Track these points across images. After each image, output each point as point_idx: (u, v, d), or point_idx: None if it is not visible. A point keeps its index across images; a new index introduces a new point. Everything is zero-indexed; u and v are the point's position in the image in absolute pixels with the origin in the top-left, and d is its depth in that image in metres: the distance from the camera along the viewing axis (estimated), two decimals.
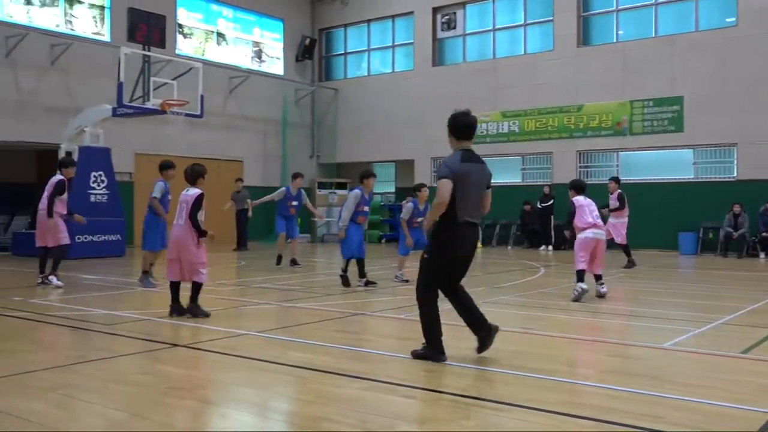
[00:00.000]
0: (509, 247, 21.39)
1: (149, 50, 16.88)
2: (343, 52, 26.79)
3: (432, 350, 5.74)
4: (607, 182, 20.35)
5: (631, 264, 14.13)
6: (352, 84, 26.03)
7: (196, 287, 7.92)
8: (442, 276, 5.72)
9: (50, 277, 10.97)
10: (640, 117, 20.26)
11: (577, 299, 9.39)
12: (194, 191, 7.95)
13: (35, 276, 11.38)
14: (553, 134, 21.60)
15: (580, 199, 9.78)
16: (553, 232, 20.34)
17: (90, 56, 19.59)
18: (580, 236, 9.70)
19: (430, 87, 23.89)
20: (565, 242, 20.55)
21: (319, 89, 26.56)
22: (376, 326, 6.16)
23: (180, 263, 7.88)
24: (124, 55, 15.80)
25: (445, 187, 5.52)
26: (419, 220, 11.31)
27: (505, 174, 22.68)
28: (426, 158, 23.88)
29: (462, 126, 5.80)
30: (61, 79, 19.10)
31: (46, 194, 10.89)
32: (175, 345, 6.45)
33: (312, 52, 26.20)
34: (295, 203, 13.79)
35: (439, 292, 5.85)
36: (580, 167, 21.35)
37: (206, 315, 7.90)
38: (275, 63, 25.61)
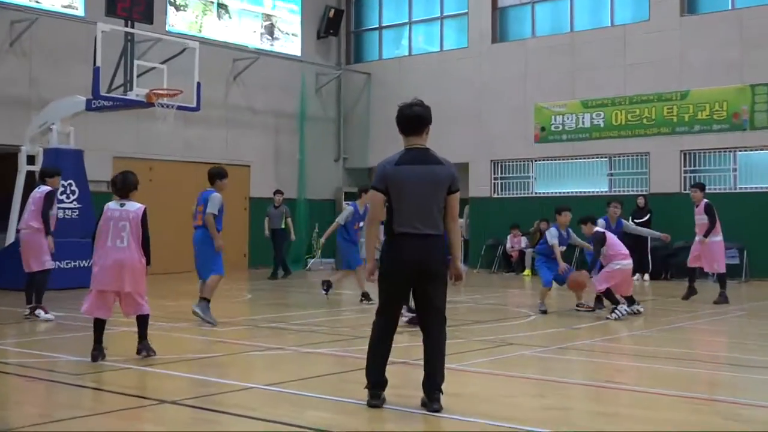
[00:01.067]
0: (592, 277, 21.10)
1: (133, 27, 17.14)
2: (377, 26, 26.91)
3: (368, 391, 6.15)
4: (723, 190, 20.20)
5: (724, 299, 13.98)
6: (388, 67, 26.12)
7: (145, 321, 8.28)
8: (387, 297, 6.17)
9: (38, 310, 11.50)
10: (764, 106, 19.93)
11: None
12: (135, 206, 8.19)
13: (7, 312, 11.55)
14: (649, 129, 21.37)
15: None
16: (650, 257, 20.07)
17: (59, 35, 19.97)
18: (615, 266, 12.27)
19: (489, 70, 23.85)
20: (667, 270, 20.26)
21: (346, 74, 26.70)
22: (419, 378, 6.13)
23: (116, 295, 8.14)
24: (102, 33, 16.05)
25: (372, 200, 6.18)
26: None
27: (586, 180, 22.47)
28: (484, 161, 23.81)
29: (402, 119, 6.25)
30: (22, 64, 19.50)
31: (33, 209, 11.62)
32: (162, 401, 6.48)
33: (338, 26, 26.37)
34: (362, 224, 13.97)
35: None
36: (686, 171, 21.06)
37: (153, 352, 8.21)
38: (291, 41, 25.84)
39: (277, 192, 20.49)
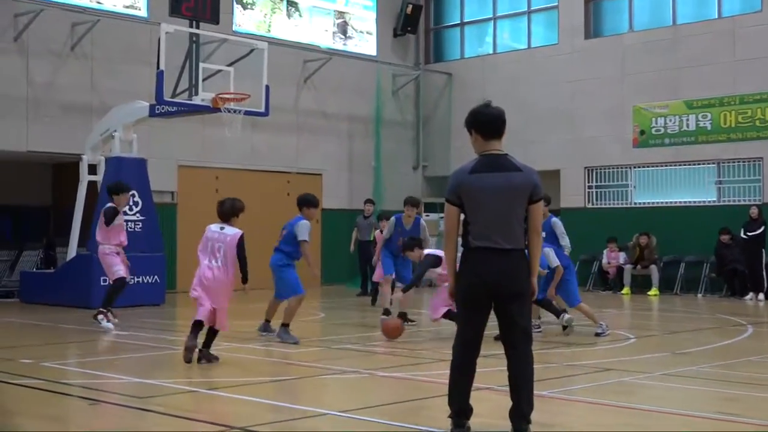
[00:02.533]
0: (699, 296, 20.75)
1: (198, 27, 17.46)
2: (458, 22, 26.91)
3: (451, 420, 6.10)
4: None
5: None
6: (471, 66, 26.07)
7: (215, 334, 9.72)
8: (466, 318, 6.15)
9: (99, 315, 12.36)
10: None
11: None
12: (233, 231, 9.59)
13: (48, 329, 11.92)
14: (763, 132, 20.87)
15: None
16: (765, 273, 19.58)
17: (121, 37, 20.48)
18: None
19: (582, 68, 23.61)
20: None
21: (425, 74, 26.75)
22: (507, 406, 6.09)
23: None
24: (165, 35, 16.39)
25: (447, 212, 6.18)
26: None
27: (691, 189, 22.02)
28: (577, 168, 23.56)
29: (483, 121, 6.18)
30: (84, 68, 20.06)
31: (100, 224, 13.06)
32: (231, 428, 6.56)
33: (416, 23, 26.44)
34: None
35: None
36: None
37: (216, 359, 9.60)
38: (365, 40, 26.02)
39: (368, 201, 20.56)
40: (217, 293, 9.55)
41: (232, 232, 9.53)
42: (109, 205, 12.89)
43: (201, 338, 9.62)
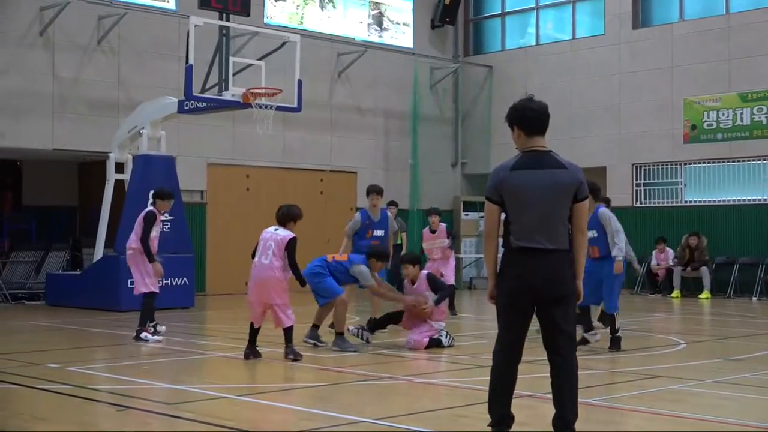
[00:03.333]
0: (754, 299, 20.57)
1: (228, 20, 17.58)
2: (499, 12, 26.87)
3: (491, 429, 6.11)
4: None
5: None
6: (513, 58, 26.02)
7: (287, 331, 10.32)
8: (507, 322, 6.14)
9: (143, 333, 12.22)
10: None
11: None
12: (286, 233, 10.26)
13: (75, 333, 12.04)
14: None
15: None
16: None
17: (149, 31, 20.69)
18: None
19: (630, 60, 23.48)
20: None
21: (464, 67, 26.73)
22: (550, 414, 6.09)
23: (265, 307, 10.34)
24: (195, 28, 16.51)
25: (487, 211, 6.18)
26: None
27: (746, 187, 21.81)
28: (624, 164, 23.44)
29: (527, 116, 6.16)
30: (110, 63, 20.29)
31: (136, 229, 12.70)
32: None
33: (455, 13, 26.43)
34: (377, 233, 13.81)
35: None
36: None
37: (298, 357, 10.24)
38: (402, 32, 26.04)
39: (391, 204, 19.27)
40: (266, 289, 10.12)
41: (285, 233, 10.20)
42: (150, 209, 12.72)
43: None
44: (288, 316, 10.24)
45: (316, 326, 11.76)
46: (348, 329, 11.77)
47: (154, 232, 12.69)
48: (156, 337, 12.34)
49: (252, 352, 10.37)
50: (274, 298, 10.15)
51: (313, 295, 11.69)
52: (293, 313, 10.34)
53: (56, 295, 18.08)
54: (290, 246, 10.11)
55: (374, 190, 14.07)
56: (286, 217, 10.39)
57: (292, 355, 10.25)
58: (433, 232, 15.85)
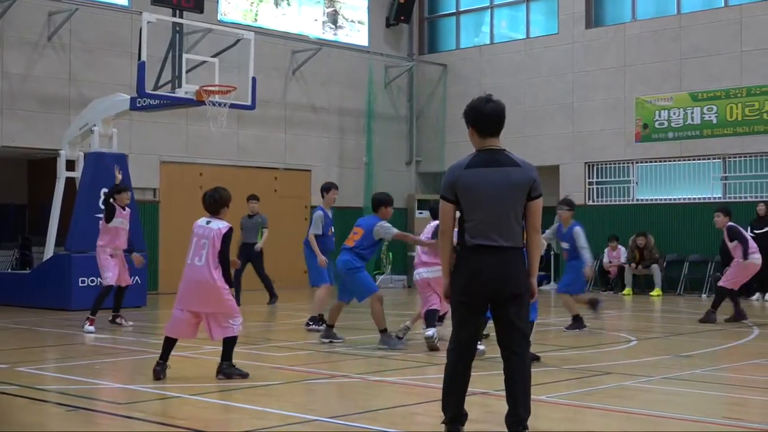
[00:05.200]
0: (704, 296, 20.79)
1: (181, 16, 17.44)
2: (454, 11, 26.92)
3: (445, 426, 6.10)
4: None
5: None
6: (467, 57, 26.09)
7: (231, 343, 8.82)
8: (461, 320, 6.14)
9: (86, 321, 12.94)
10: None
11: None
12: (220, 224, 8.78)
13: (25, 333, 11.94)
14: None
15: None
16: None
17: (101, 27, 20.46)
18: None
19: (583, 59, 23.65)
20: None
21: (419, 65, 26.77)
22: (503, 411, 6.10)
23: (198, 317, 8.82)
24: (148, 25, 16.36)
25: (442, 210, 6.17)
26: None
27: (696, 185, 22.08)
28: (577, 163, 23.61)
29: (481, 117, 6.18)
30: (61, 59, 20.04)
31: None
32: None
33: (410, 12, 26.44)
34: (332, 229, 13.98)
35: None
36: None
37: (244, 376, 8.78)
38: (357, 30, 26.02)
39: (252, 198, 18.34)
40: (202, 296, 8.68)
41: (218, 225, 8.73)
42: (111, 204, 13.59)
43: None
44: (230, 324, 8.73)
45: (330, 326, 11.63)
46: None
47: (118, 222, 13.38)
48: (90, 328, 12.79)
49: (163, 368, 8.78)
50: (212, 306, 8.67)
51: (340, 292, 11.54)
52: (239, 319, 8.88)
53: (5, 294, 17.78)
54: (226, 240, 8.66)
55: (334, 186, 14.00)
56: (218, 203, 8.84)
57: (223, 374, 8.79)
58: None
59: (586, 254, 12.99)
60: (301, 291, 21.85)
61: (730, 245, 14.87)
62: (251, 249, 17.70)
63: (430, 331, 10.96)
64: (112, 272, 13.28)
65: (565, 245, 13.27)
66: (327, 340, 11.56)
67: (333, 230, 13.85)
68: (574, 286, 13.27)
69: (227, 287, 8.73)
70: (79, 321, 13.88)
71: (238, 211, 17.80)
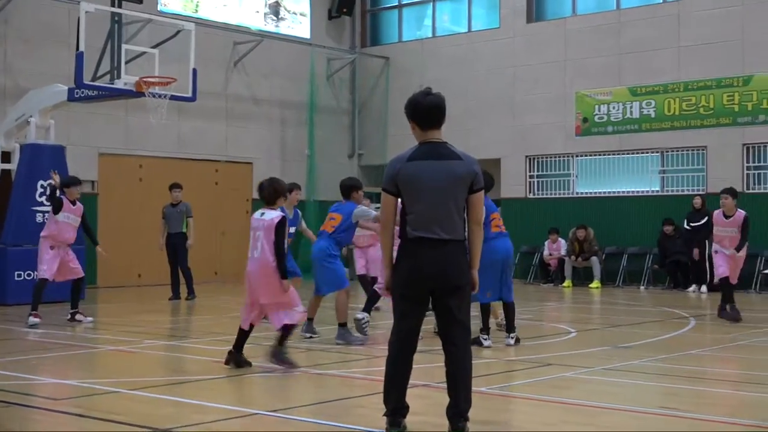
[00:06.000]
0: (642, 288, 21.08)
1: (120, 6, 17.24)
2: (396, 3, 26.92)
3: (387, 419, 6.12)
4: None
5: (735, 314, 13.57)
6: (409, 50, 26.11)
7: (290, 330, 8.98)
8: (402, 313, 6.14)
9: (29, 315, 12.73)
10: None
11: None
12: (273, 214, 8.81)
13: None
14: (707, 120, 21.26)
15: None
16: (708, 265, 19.94)
17: (38, 16, 20.11)
18: None
19: (524, 53, 23.79)
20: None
21: (362, 58, 26.73)
22: (444, 402, 6.12)
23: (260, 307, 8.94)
24: (86, 14, 16.14)
25: (384, 202, 6.18)
26: None
27: (634, 179, 22.37)
28: (518, 156, 23.76)
29: (420, 111, 6.21)
30: None
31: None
32: (155, 430, 6.51)
33: (352, 4, 26.40)
34: (293, 230, 13.72)
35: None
36: (749, 168, 20.93)
37: (293, 366, 8.90)
38: (299, 21, 25.90)
39: (175, 186, 17.82)
40: (262, 287, 8.79)
41: (271, 216, 8.74)
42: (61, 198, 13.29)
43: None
44: (291, 312, 8.90)
45: (310, 319, 11.34)
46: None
47: (63, 217, 13.14)
48: (35, 320, 12.61)
49: (235, 359, 9.01)
50: (272, 296, 8.80)
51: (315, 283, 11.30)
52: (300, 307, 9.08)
53: None
54: (279, 229, 8.67)
55: (297, 186, 13.51)
56: (275, 194, 8.87)
57: (277, 359, 8.90)
58: None
59: None
60: (242, 284, 21.74)
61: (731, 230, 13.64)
62: (176, 238, 17.46)
63: (360, 315, 11.05)
64: (48, 265, 12.98)
65: None
66: (308, 335, 11.30)
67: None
68: None
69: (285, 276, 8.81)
70: (15, 315, 13.66)
71: (165, 201, 17.71)
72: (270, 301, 8.79)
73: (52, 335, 12.02)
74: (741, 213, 13.56)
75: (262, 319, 9.18)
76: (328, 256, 11.08)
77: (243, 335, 9.01)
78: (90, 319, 13.53)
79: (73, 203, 13.35)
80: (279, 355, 8.94)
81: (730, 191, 13.78)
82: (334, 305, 11.24)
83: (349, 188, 11.48)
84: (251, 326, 9.04)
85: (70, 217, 13.28)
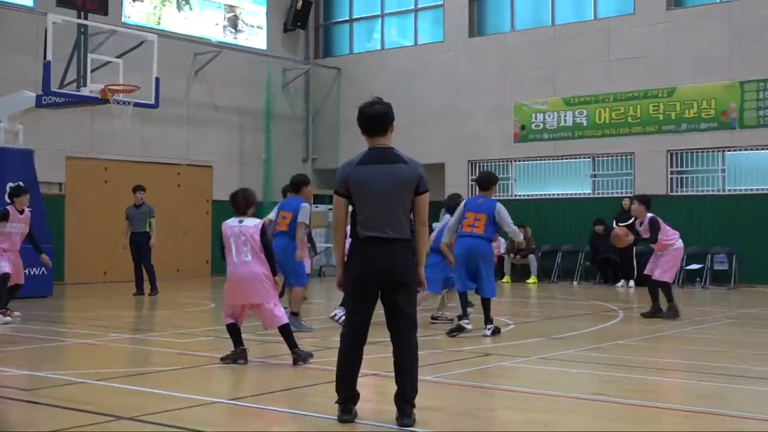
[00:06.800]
0: (575, 283, 21.31)
1: (86, 18, 17.04)
2: (348, 18, 26.94)
3: (338, 406, 6.16)
4: (711, 192, 20.42)
5: (673, 312, 13.15)
6: (360, 61, 26.14)
7: (287, 331, 8.85)
8: (354, 307, 6.21)
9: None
10: (754, 104, 20.17)
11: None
12: (254, 221, 8.84)
13: None
14: (634, 128, 21.55)
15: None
16: (635, 262, 20.23)
17: (7, 26, 19.81)
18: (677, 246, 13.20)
19: (466, 65, 23.94)
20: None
21: (315, 69, 26.70)
22: (393, 391, 6.15)
23: (248, 308, 8.87)
24: (53, 25, 15.95)
25: (336, 204, 6.22)
26: None
27: (568, 182, 22.64)
28: (461, 161, 23.90)
29: (364, 119, 6.27)
30: None
31: None
32: (120, 417, 6.46)
33: (306, 18, 26.36)
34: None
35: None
36: (673, 173, 21.26)
37: (310, 355, 8.86)
38: (256, 34, 25.80)
39: (138, 188, 17.69)
40: (254, 289, 8.68)
41: (252, 223, 8.75)
42: (4, 209, 12.91)
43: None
44: (282, 312, 8.88)
45: (295, 313, 11.30)
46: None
47: (11, 228, 12.75)
48: (6, 319, 12.33)
49: (239, 355, 8.83)
50: (265, 297, 8.70)
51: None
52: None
53: None
54: (264, 234, 8.72)
55: (309, 181, 13.23)
56: (246, 204, 8.83)
57: (301, 360, 8.72)
58: None
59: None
60: (203, 280, 21.63)
61: (645, 234, 13.41)
62: (140, 237, 17.36)
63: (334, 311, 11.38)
64: (6, 263, 12.69)
65: None
66: (294, 329, 11.31)
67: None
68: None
69: (273, 278, 8.79)
70: None
71: (129, 202, 17.56)
72: (261, 301, 8.70)
73: (21, 329, 11.85)
74: (648, 216, 13.31)
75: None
76: (287, 252, 11.07)
77: (236, 330, 8.87)
78: (18, 313, 12.99)
79: (21, 212, 13.00)
80: (300, 357, 8.74)
81: (642, 198, 13.67)
82: (290, 295, 11.42)
83: (299, 183, 11.56)
84: (236, 324, 8.87)
85: (17, 227, 12.92)
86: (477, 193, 11.82)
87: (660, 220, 13.33)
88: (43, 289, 16.61)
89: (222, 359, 8.83)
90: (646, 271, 13.56)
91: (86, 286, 19.61)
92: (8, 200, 13.10)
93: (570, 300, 17.30)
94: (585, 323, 12.98)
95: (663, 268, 13.27)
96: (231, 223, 8.76)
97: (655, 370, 8.97)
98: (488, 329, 10.95)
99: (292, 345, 8.77)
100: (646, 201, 13.58)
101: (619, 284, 20.27)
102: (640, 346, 10.55)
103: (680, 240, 13.47)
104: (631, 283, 20.03)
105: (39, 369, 8.68)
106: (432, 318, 12.52)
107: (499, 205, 11.24)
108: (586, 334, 11.68)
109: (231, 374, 8.56)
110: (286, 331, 8.79)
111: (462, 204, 11.47)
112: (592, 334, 11.73)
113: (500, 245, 22.28)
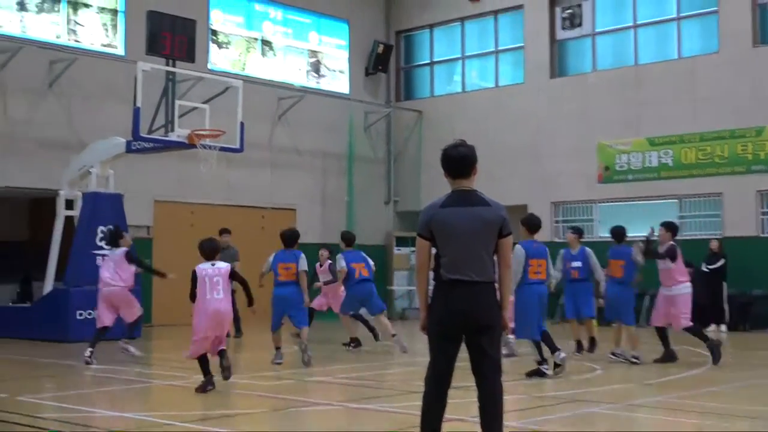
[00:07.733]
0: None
1: (174, 65, 17.47)
2: (428, 61, 27.08)
3: None
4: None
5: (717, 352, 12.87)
6: (440, 104, 26.21)
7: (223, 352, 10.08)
8: (437, 350, 6.15)
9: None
10: None
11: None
12: (224, 264, 10.27)
13: (25, 364, 11.74)
14: (722, 168, 21.09)
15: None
16: (726, 306, 19.70)
17: (98, 75, 20.42)
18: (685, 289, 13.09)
19: (548, 106, 23.80)
20: (745, 320, 19.89)
21: (396, 111, 26.87)
22: None
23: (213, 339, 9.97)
24: (142, 73, 16.37)
25: (418, 246, 6.24)
26: None
27: (653, 223, 22.15)
28: (544, 202, 23.65)
29: (448, 161, 6.28)
30: (61, 105, 19.96)
31: (113, 266, 13.83)
32: None
33: (387, 62, 26.59)
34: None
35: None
36: (763, 213, 20.71)
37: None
38: (338, 78, 26.11)
39: (224, 231, 17.79)
40: (225, 321, 10.08)
41: (223, 265, 10.15)
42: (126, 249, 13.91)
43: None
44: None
45: (278, 348, 13.03)
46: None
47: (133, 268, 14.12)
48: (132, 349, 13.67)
49: (210, 382, 9.89)
50: (228, 328, 10.23)
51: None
52: None
53: (6, 327, 17.47)
54: (234, 273, 10.22)
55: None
56: (213, 252, 10.25)
57: (227, 371, 10.00)
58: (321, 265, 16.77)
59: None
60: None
61: (662, 265, 13.47)
62: None
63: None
64: (109, 315, 13.84)
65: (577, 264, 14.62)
66: (280, 361, 12.78)
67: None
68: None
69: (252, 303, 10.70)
70: (76, 351, 13.69)
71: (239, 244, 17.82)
72: (224, 332, 10.06)
73: (111, 370, 12.05)
74: (670, 243, 13.45)
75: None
76: (300, 298, 12.69)
77: (207, 360, 9.94)
78: (133, 349, 13.95)
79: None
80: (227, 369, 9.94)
81: (666, 224, 13.96)
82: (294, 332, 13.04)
83: (294, 238, 12.93)
84: (206, 354, 9.96)
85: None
86: (529, 237, 11.71)
87: (680, 252, 13.24)
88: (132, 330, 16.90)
89: (197, 390, 9.73)
90: (654, 322, 13.54)
91: (172, 328, 19.86)
92: (108, 246, 13.98)
93: (657, 345, 16.88)
94: (674, 369, 12.63)
95: (685, 314, 13.19)
96: (204, 266, 10.05)
97: (739, 418, 8.67)
98: (561, 354, 11.23)
99: (223, 357, 9.97)
100: (672, 228, 13.77)
101: (710, 329, 19.69)
102: (738, 394, 10.26)
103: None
104: (723, 327, 19.47)
105: (127, 410, 8.79)
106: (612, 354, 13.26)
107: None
108: (675, 380, 11.38)
109: (317, 418, 8.53)
110: (223, 353, 9.98)
111: (522, 251, 11.34)
112: (681, 380, 11.42)
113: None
